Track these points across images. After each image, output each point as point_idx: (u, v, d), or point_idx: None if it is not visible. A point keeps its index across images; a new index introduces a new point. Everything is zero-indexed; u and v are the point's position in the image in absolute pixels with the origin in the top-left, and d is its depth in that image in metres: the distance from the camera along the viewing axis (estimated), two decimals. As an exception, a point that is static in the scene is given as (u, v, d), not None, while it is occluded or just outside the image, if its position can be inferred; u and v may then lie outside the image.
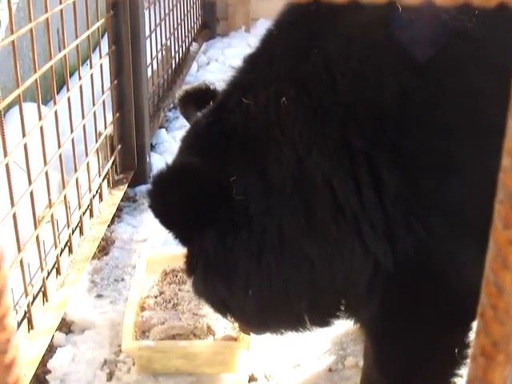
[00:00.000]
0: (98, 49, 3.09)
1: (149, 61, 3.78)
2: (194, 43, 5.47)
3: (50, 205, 2.45)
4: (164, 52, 4.41)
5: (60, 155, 2.53)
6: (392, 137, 1.62)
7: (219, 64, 5.62)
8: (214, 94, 2.01)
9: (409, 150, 1.63)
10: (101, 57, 3.08)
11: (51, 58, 2.41)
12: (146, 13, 3.71)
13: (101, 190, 3.12)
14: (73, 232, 2.71)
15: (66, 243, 2.65)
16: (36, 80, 2.25)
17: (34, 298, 2.31)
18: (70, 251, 2.68)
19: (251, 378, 2.35)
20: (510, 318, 0.44)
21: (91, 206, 2.96)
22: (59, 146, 2.52)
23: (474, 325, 1.81)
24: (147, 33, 3.72)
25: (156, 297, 2.55)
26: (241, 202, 1.74)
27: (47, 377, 2.33)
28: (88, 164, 2.90)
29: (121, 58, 3.32)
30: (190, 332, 2.36)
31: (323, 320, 1.95)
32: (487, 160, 1.61)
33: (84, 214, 2.86)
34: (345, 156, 1.64)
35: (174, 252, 2.94)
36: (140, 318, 2.43)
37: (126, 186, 3.40)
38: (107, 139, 3.23)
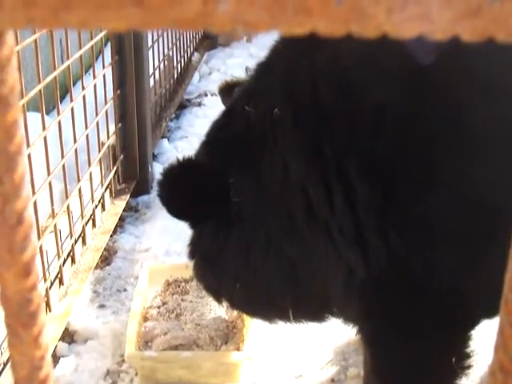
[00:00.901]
0: (101, 59, 3.09)
1: (151, 71, 3.79)
2: (195, 53, 5.46)
3: (53, 215, 2.45)
4: (166, 62, 4.42)
5: (63, 165, 2.54)
6: (365, 147, 1.66)
7: (221, 74, 5.61)
8: None
9: (383, 160, 1.66)
10: (104, 67, 3.09)
11: (55, 68, 2.41)
12: (149, 23, 3.71)
13: (103, 200, 3.12)
14: (75, 242, 2.71)
15: (69, 253, 2.65)
16: (40, 90, 2.25)
17: (37, 308, 2.30)
18: (73, 261, 2.68)
19: (254, 389, 2.35)
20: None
21: (94, 216, 2.96)
22: (62, 156, 2.52)
23: (475, 336, 1.84)
24: (149, 43, 3.73)
25: (159, 307, 2.55)
26: (236, 203, 1.87)
27: (50, 387, 2.33)
28: (91, 174, 2.90)
29: (123, 69, 3.33)
30: (193, 342, 2.36)
31: (308, 316, 2.08)
32: (469, 171, 1.62)
33: (87, 223, 2.86)
34: (318, 164, 1.71)
35: (177, 262, 2.96)
36: (143, 328, 2.43)
37: (129, 195, 3.40)
38: (110, 149, 3.24)
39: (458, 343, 1.82)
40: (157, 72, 4.11)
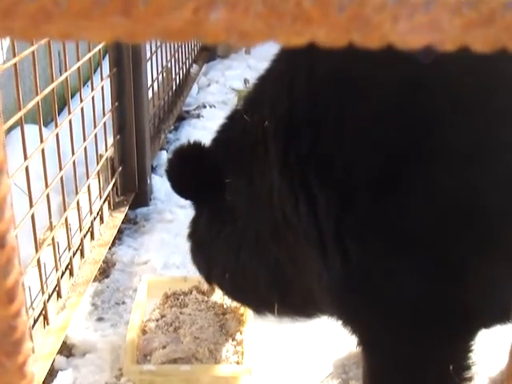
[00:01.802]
0: (99, 71, 3.08)
1: (150, 83, 3.78)
2: (194, 65, 5.46)
3: (50, 227, 2.44)
4: (165, 74, 4.41)
5: (61, 178, 2.52)
6: (324, 154, 1.70)
7: (220, 86, 5.62)
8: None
9: (340, 169, 1.68)
10: (102, 79, 3.08)
11: (53, 80, 2.40)
12: (147, 35, 3.70)
13: (102, 212, 3.11)
14: (74, 254, 2.69)
15: (67, 266, 2.63)
16: (37, 102, 2.24)
17: (35, 322, 2.29)
18: (71, 274, 2.66)
19: (253, 403, 2.33)
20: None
21: (92, 229, 2.95)
22: (60, 169, 2.51)
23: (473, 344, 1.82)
24: (148, 55, 3.72)
25: (157, 320, 2.53)
26: (230, 202, 2.04)
27: (48, 401, 2.31)
28: (89, 186, 2.88)
29: (122, 80, 3.32)
30: (192, 356, 2.34)
31: (293, 312, 2.22)
32: (431, 181, 1.62)
33: (85, 236, 2.85)
34: (288, 174, 1.78)
35: (175, 275, 2.94)
36: (141, 341, 2.41)
37: (127, 208, 3.38)
38: (108, 161, 3.22)
39: (452, 354, 1.79)
40: (155, 84, 4.10)
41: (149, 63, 3.75)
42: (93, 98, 2.91)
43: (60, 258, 2.52)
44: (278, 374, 2.43)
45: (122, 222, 3.32)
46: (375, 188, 1.66)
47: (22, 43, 2.25)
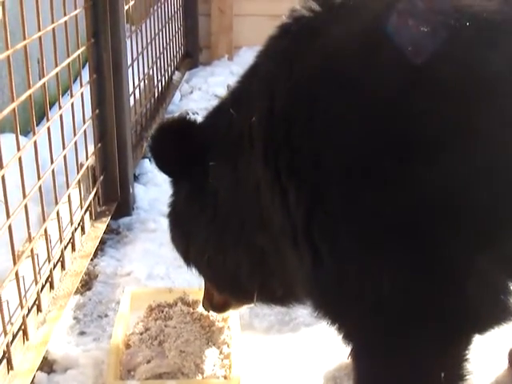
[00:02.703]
0: (78, 78, 3.02)
1: (131, 90, 3.71)
2: (176, 72, 5.43)
3: (29, 239, 2.36)
4: (146, 81, 4.36)
5: (40, 187, 2.45)
6: (293, 146, 1.72)
7: (202, 93, 5.58)
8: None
9: (310, 160, 1.68)
10: (82, 86, 3.01)
11: (30, 87, 2.33)
12: (128, 42, 3.65)
13: (83, 223, 3.04)
14: (54, 267, 2.62)
15: (47, 278, 2.56)
16: (14, 110, 2.17)
17: (14, 337, 2.21)
18: (52, 287, 2.59)
19: (242, 418, 2.27)
20: None
21: (73, 240, 2.87)
22: (39, 178, 2.44)
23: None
24: (129, 61, 3.66)
25: (141, 333, 2.46)
26: (212, 185, 2.04)
27: (28, 420, 2.23)
28: (69, 196, 2.82)
29: (102, 87, 3.26)
30: (178, 370, 2.28)
31: (272, 301, 2.26)
32: (411, 173, 1.59)
33: (66, 247, 2.78)
34: (267, 168, 1.80)
35: (160, 286, 2.89)
36: (125, 356, 2.35)
37: (109, 218, 3.32)
38: (89, 170, 3.16)
39: (443, 361, 1.74)
40: (137, 91, 4.04)
41: (130, 70, 3.69)
42: (72, 105, 2.85)
43: (40, 270, 2.46)
44: (267, 388, 2.37)
45: (104, 233, 3.26)
46: (348, 181, 1.64)
47: (1, 50, 2.18)
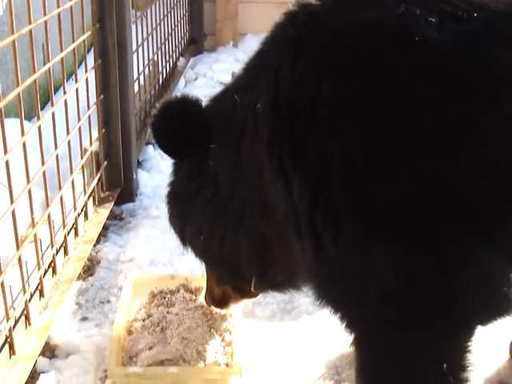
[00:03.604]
0: (83, 63, 3.01)
1: (136, 76, 3.70)
2: (181, 58, 5.40)
3: (33, 224, 2.36)
4: (151, 67, 4.34)
5: (44, 172, 2.45)
6: (298, 135, 1.71)
7: (207, 79, 5.56)
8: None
9: (315, 150, 1.68)
10: (86, 71, 3.00)
11: (35, 71, 2.33)
12: (133, 27, 3.64)
13: (86, 208, 3.03)
14: (57, 252, 2.62)
15: (50, 264, 2.56)
16: (19, 94, 2.17)
17: (16, 322, 2.22)
18: (54, 272, 2.59)
19: (244, 405, 2.27)
20: None
21: (76, 225, 2.87)
22: (43, 163, 2.44)
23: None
24: (134, 47, 3.65)
25: (143, 320, 2.46)
26: (212, 167, 2.04)
27: (30, 404, 2.24)
28: (73, 181, 2.81)
29: (107, 73, 3.24)
30: (180, 357, 2.27)
31: (270, 287, 2.28)
32: (416, 164, 1.59)
33: (69, 233, 2.77)
34: (272, 156, 1.79)
35: (162, 273, 2.88)
36: (127, 342, 2.35)
37: (112, 203, 3.31)
38: (93, 156, 3.15)
39: (446, 352, 1.74)
40: (141, 77, 4.03)
41: (135, 55, 3.68)
42: (77, 90, 2.84)
43: (43, 255, 2.46)
44: (268, 376, 2.37)
45: (107, 219, 3.26)
46: (352, 171, 1.64)
47: (5, 35, 2.16)
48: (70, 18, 2.73)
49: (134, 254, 3.08)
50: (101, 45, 3.18)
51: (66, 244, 2.73)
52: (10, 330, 2.13)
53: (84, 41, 2.91)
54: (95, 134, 3.19)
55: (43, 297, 2.45)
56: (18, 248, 2.20)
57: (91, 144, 3.10)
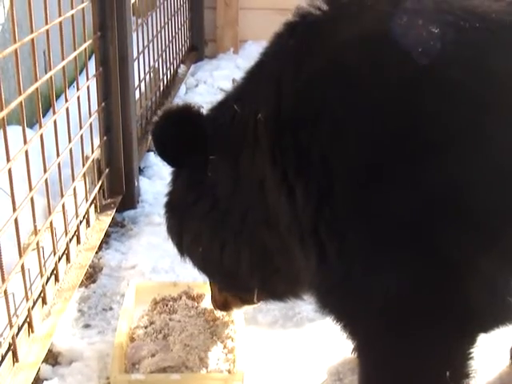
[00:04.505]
0: (85, 71, 3.02)
1: (137, 83, 3.71)
2: (182, 65, 5.42)
3: (35, 231, 2.37)
4: (152, 74, 4.35)
5: (46, 180, 2.45)
6: (302, 146, 1.72)
7: (207, 86, 5.57)
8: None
9: (319, 160, 1.69)
10: (88, 79, 3.01)
11: (37, 79, 2.34)
12: (134, 35, 3.65)
13: (88, 216, 3.04)
14: (59, 259, 2.62)
15: (53, 271, 2.57)
16: (21, 102, 2.17)
17: (19, 330, 2.22)
18: (57, 279, 2.59)
19: (246, 412, 2.27)
20: None
21: (78, 232, 2.88)
22: (45, 171, 2.44)
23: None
24: (135, 55, 3.66)
25: (146, 327, 2.46)
26: (211, 178, 2.04)
27: (33, 412, 2.24)
28: (75, 189, 2.82)
29: (108, 80, 3.25)
30: (182, 364, 2.28)
31: (273, 297, 2.28)
32: (420, 174, 1.59)
33: (71, 240, 2.78)
34: (275, 168, 1.81)
35: (164, 280, 2.88)
36: (129, 349, 2.35)
37: (114, 211, 3.32)
38: (94, 163, 3.16)
39: (449, 359, 1.75)
40: (142, 84, 4.04)
41: (136, 63, 3.69)
42: (78, 98, 2.85)
43: (45, 263, 2.46)
44: (271, 382, 2.37)
45: (109, 226, 3.26)
46: (357, 181, 1.65)
47: (7, 42, 2.17)
48: (72, 26, 2.74)
49: (136, 261, 3.09)
50: (102, 53, 3.20)
51: (68, 251, 2.73)
52: (13, 338, 2.14)
53: (85, 49, 2.92)
54: (97, 141, 3.19)
55: (46, 304, 2.45)
56: (20, 256, 2.21)
57: (93, 151, 3.10)
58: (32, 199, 2.30)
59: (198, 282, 2.72)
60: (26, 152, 2.24)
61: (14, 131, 2.31)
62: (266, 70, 1.92)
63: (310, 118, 1.71)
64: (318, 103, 1.69)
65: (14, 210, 2.14)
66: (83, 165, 2.98)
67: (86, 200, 3.01)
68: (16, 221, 2.15)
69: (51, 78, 2.49)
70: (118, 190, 3.44)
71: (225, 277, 2.22)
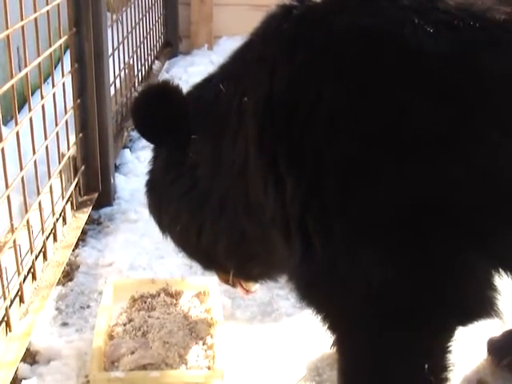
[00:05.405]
0: (59, 67, 2.99)
1: (112, 79, 3.69)
2: (156, 61, 5.39)
3: (12, 230, 2.35)
4: (127, 70, 4.33)
5: (22, 177, 2.43)
6: (294, 135, 1.70)
7: (182, 82, 5.52)
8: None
9: (310, 153, 1.67)
10: (63, 75, 2.99)
11: (12, 76, 2.31)
12: (109, 31, 3.62)
13: (64, 213, 3.02)
14: (36, 257, 2.60)
15: (30, 269, 2.55)
16: (-4, 100, 2.16)
17: (-3, 329, 2.20)
18: (34, 278, 2.57)
19: (226, 408, 2.27)
20: None
21: (55, 230, 2.86)
22: (21, 168, 2.42)
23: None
24: (110, 51, 3.63)
25: (125, 324, 2.45)
26: (192, 158, 2.03)
27: (12, 412, 2.22)
28: (51, 186, 2.80)
29: (84, 77, 3.23)
30: (162, 361, 2.27)
31: (248, 278, 2.32)
32: (407, 169, 1.60)
33: (47, 238, 2.76)
34: (262, 155, 1.78)
35: (142, 277, 2.87)
36: (108, 347, 2.34)
37: (90, 208, 3.30)
38: (70, 160, 3.14)
39: (428, 352, 1.75)
40: (117, 80, 4.02)
41: (111, 59, 3.66)
42: (54, 95, 2.83)
43: (22, 261, 2.44)
44: (250, 378, 2.37)
45: (86, 223, 3.24)
46: (347, 176, 1.65)
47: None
48: (47, 22, 2.72)
49: (113, 258, 3.07)
50: (77, 49, 3.17)
51: (45, 249, 2.72)
52: (-10, 337, 2.12)
53: (61, 45, 2.90)
54: (72, 138, 3.17)
55: (23, 303, 2.44)
56: (-3, 254, 2.19)
57: (69, 149, 3.09)
58: (8, 197, 2.28)
59: (176, 278, 2.72)
60: (2, 149, 2.22)
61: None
62: (256, 50, 1.89)
63: (304, 109, 1.69)
64: (314, 97, 1.68)
65: (-9, 208, 2.13)
66: (59, 162, 2.96)
67: (63, 197, 2.99)
68: (-7, 219, 2.14)
69: (26, 74, 2.47)
70: (94, 187, 3.42)
71: (202, 256, 2.24)
